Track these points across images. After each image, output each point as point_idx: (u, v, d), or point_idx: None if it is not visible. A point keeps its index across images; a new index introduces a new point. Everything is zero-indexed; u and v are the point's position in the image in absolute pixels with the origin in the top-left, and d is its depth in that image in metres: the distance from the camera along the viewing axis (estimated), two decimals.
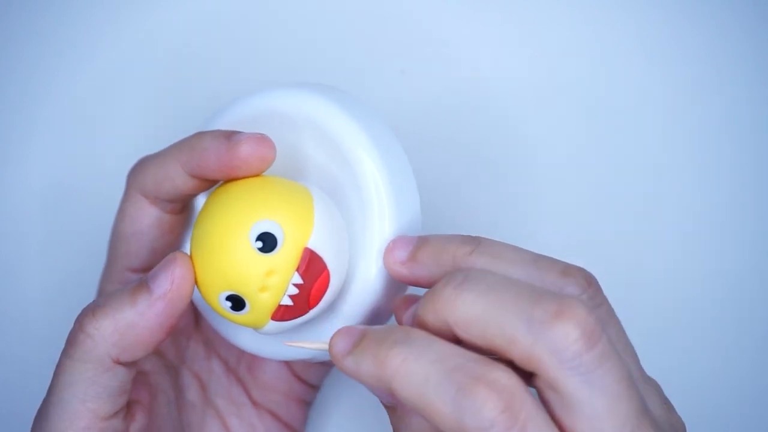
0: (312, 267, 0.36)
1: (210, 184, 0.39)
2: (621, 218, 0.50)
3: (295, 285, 0.36)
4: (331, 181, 0.38)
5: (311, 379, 0.45)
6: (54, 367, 0.37)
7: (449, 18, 0.51)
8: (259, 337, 0.40)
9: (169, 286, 0.36)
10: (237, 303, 0.36)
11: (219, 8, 0.51)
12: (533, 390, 0.33)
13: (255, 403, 0.44)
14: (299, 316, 0.37)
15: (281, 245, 0.36)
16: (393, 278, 0.38)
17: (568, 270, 0.36)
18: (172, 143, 0.40)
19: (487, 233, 0.48)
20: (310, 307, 0.37)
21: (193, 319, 0.44)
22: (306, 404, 0.46)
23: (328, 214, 0.37)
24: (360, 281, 0.38)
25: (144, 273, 0.41)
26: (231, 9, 0.51)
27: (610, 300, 0.37)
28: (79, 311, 0.37)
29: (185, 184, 0.39)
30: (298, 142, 0.39)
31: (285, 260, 0.36)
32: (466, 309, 0.33)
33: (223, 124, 0.40)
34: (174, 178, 0.39)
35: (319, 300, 0.37)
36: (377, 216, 0.38)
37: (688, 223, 0.50)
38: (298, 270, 0.36)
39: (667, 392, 0.37)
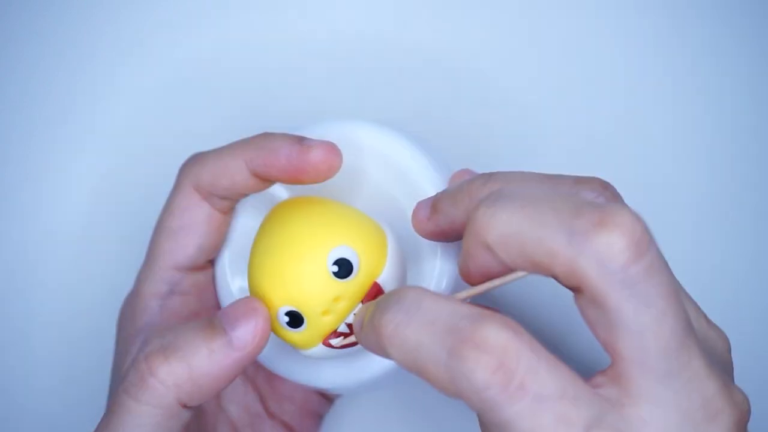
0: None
1: (267, 185, 0.39)
2: None
3: (356, 315, 0.36)
4: (392, 211, 0.39)
5: (329, 393, 0.46)
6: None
7: (450, 21, 0.51)
8: (287, 358, 0.40)
9: (250, 341, 0.35)
10: (295, 320, 0.36)
11: (219, 8, 0.51)
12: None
13: (270, 414, 0.44)
14: (350, 346, 0.37)
15: (355, 274, 0.36)
16: (424, 238, 0.37)
17: (581, 179, 0.34)
18: (232, 142, 0.39)
19: None
20: None
21: None
22: (320, 417, 0.46)
23: (398, 252, 0.38)
24: None
25: (189, 272, 0.40)
26: (231, 8, 0.51)
27: None
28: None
29: (244, 181, 0.39)
30: (361, 164, 0.40)
31: (354, 289, 0.36)
32: (503, 227, 0.31)
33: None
34: (234, 174, 0.38)
35: None
36: (438, 265, 0.38)
37: (692, 218, 0.50)
38: (362, 301, 0.36)
39: None
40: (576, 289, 0.31)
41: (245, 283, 0.40)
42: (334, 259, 0.36)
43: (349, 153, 0.39)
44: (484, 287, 0.33)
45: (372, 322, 0.32)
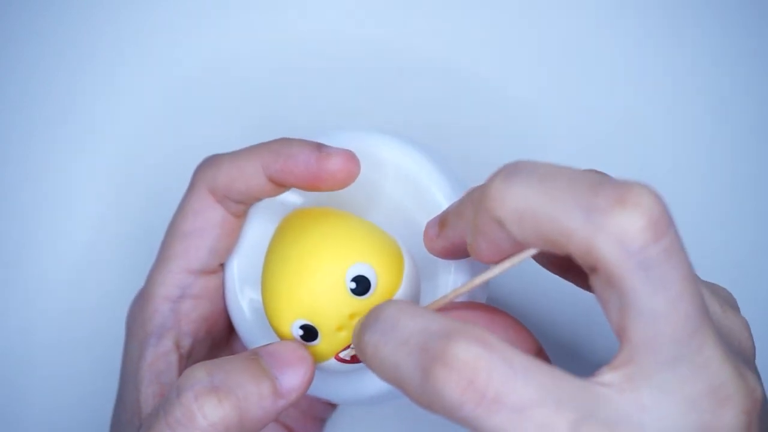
0: None
1: (283, 190, 0.39)
2: None
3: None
4: (408, 228, 0.39)
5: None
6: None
7: (451, 20, 0.51)
8: None
9: (297, 388, 0.35)
10: (310, 334, 0.36)
11: (219, 9, 0.51)
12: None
13: None
14: (360, 362, 0.36)
15: (372, 292, 0.36)
16: (437, 256, 0.37)
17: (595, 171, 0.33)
18: (250, 145, 0.39)
19: None
20: None
21: (228, 334, 0.43)
22: (323, 421, 0.46)
23: (414, 269, 0.37)
24: None
25: (201, 275, 0.40)
26: (231, 8, 0.51)
27: None
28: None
29: (260, 186, 0.38)
30: (379, 178, 0.39)
31: (370, 307, 0.35)
32: (517, 201, 0.30)
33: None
34: (250, 178, 0.38)
35: None
36: (451, 286, 0.38)
37: (689, 216, 0.50)
38: None
39: None
40: (591, 269, 0.30)
41: (254, 293, 0.40)
42: (353, 275, 0.36)
43: (367, 165, 0.39)
44: (497, 271, 0.32)
45: (357, 343, 0.32)
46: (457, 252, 0.35)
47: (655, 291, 0.29)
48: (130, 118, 0.51)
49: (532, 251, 0.31)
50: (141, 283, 0.42)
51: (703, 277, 0.49)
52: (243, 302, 0.41)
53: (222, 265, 0.41)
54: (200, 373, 0.35)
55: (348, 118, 0.50)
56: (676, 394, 0.29)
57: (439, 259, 0.38)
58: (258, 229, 0.41)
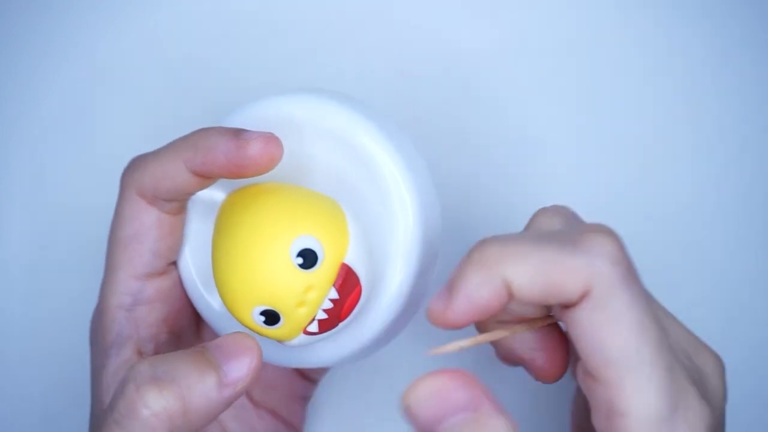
0: (347, 282, 0.36)
1: (211, 181, 0.39)
2: (628, 219, 0.50)
3: (331, 300, 0.36)
4: (344, 186, 0.38)
5: (313, 375, 0.45)
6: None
7: (450, 15, 0.51)
8: (273, 345, 0.40)
9: (243, 377, 0.35)
10: (271, 318, 0.36)
11: (219, 8, 0.51)
12: None
13: (255, 403, 0.44)
14: (330, 329, 0.37)
15: (321, 261, 0.36)
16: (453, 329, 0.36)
17: (548, 211, 0.37)
18: (170, 141, 0.39)
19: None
20: (341, 320, 0.37)
21: (195, 327, 0.43)
22: (305, 400, 0.46)
23: (360, 228, 0.37)
24: (386, 291, 0.38)
25: (149, 279, 0.40)
26: (231, 9, 0.51)
27: None
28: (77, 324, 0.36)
29: (186, 181, 0.38)
30: (305, 145, 0.38)
31: (324, 277, 0.36)
32: (520, 254, 0.33)
33: (233, 125, 0.39)
34: (175, 176, 0.38)
35: (351, 312, 0.37)
36: (402, 226, 0.38)
37: (690, 214, 0.50)
38: (334, 285, 0.36)
39: None
40: (581, 297, 0.33)
41: (210, 279, 0.40)
42: (297, 251, 0.35)
43: (291, 134, 0.38)
44: (495, 336, 0.35)
45: None
46: (480, 315, 0.35)
47: (632, 306, 0.33)
48: (130, 120, 0.51)
49: (552, 319, 0.35)
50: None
51: (712, 279, 0.49)
52: (208, 297, 0.40)
53: (173, 264, 0.41)
54: (143, 366, 0.35)
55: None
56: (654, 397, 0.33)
57: (384, 216, 0.37)
58: (202, 220, 0.40)
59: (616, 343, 0.32)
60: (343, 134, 0.38)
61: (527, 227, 0.38)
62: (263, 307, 0.36)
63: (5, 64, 0.51)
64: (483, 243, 0.34)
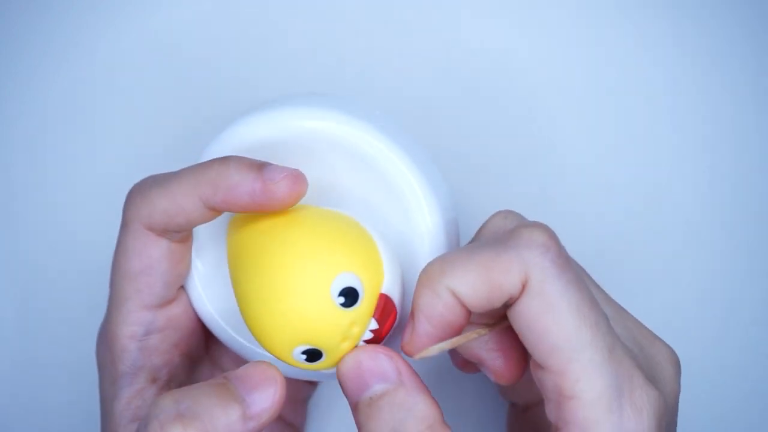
0: (385, 311, 0.36)
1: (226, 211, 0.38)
2: (634, 219, 0.50)
3: (371, 330, 0.36)
4: (367, 206, 0.38)
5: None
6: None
7: (450, 16, 0.51)
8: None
9: (267, 409, 0.35)
10: (313, 355, 0.35)
11: (219, 8, 0.51)
12: None
13: None
14: None
15: (362, 298, 0.35)
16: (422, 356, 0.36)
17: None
18: (178, 169, 0.38)
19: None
20: (379, 343, 0.36)
21: (204, 344, 0.43)
22: (305, 401, 0.46)
23: (390, 253, 0.37)
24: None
25: (161, 308, 0.39)
26: (230, 9, 0.51)
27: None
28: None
29: (201, 216, 0.37)
30: (325, 166, 0.38)
31: (365, 311, 0.35)
32: (459, 264, 0.34)
33: (240, 144, 0.38)
34: (190, 212, 0.37)
35: (386, 336, 0.37)
36: (428, 247, 0.38)
37: (695, 216, 0.50)
38: (374, 316, 0.36)
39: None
40: (521, 290, 0.34)
41: (224, 303, 0.39)
42: (339, 291, 0.35)
43: (311, 156, 0.37)
44: (470, 337, 0.36)
45: None
46: (439, 330, 0.36)
47: (567, 291, 0.34)
48: (131, 120, 0.51)
49: (483, 332, 0.36)
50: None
51: (712, 281, 0.49)
52: (222, 321, 0.40)
53: (181, 288, 0.40)
54: (166, 401, 0.34)
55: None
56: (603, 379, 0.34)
57: (414, 238, 0.38)
58: (208, 234, 0.39)
59: (555, 329, 0.33)
60: (365, 154, 0.37)
61: (479, 231, 0.39)
62: (306, 347, 0.35)
63: (5, 64, 0.51)
64: (427, 265, 0.35)
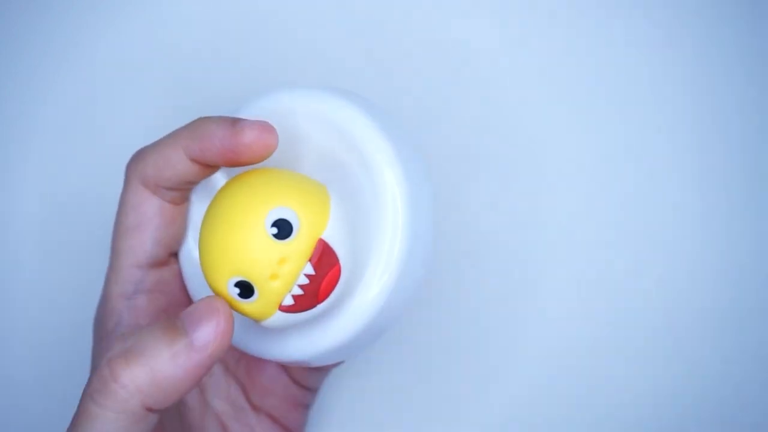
0: (325, 259, 0.36)
1: (211, 170, 0.39)
2: (627, 219, 0.50)
3: (307, 275, 0.36)
4: (337, 175, 0.38)
5: (309, 383, 0.45)
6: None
7: (455, 16, 0.51)
8: (252, 335, 0.40)
9: (212, 340, 0.35)
10: (245, 290, 0.36)
11: (219, 8, 0.51)
12: None
13: (254, 407, 0.44)
14: (307, 309, 0.36)
15: (296, 233, 0.35)
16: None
17: None
18: (172, 131, 0.40)
19: (490, 235, 0.48)
20: (319, 301, 0.36)
21: None
22: (305, 407, 0.46)
23: (344, 210, 0.37)
24: (371, 280, 0.37)
25: (150, 268, 0.40)
26: (230, 9, 0.51)
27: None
28: (83, 315, 0.36)
29: (187, 169, 0.39)
30: (301, 134, 0.39)
31: (298, 249, 0.35)
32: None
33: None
34: (175, 164, 0.39)
35: (329, 294, 0.36)
36: (391, 223, 0.37)
37: (687, 219, 0.49)
38: (310, 260, 0.36)
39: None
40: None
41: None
42: (272, 221, 0.35)
43: (288, 123, 0.38)
44: None
45: None
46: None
47: None
48: (131, 120, 0.51)
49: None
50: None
51: (713, 282, 0.49)
52: (203, 284, 0.40)
53: (175, 256, 0.41)
54: (116, 341, 0.36)
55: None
56: None
57: (376, 210, 0.38)
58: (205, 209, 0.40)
59: None
60: (343, 129, 0.38)
61: None
62: (238, 278, 0.35)
63: (5, 64, 0.51)
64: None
